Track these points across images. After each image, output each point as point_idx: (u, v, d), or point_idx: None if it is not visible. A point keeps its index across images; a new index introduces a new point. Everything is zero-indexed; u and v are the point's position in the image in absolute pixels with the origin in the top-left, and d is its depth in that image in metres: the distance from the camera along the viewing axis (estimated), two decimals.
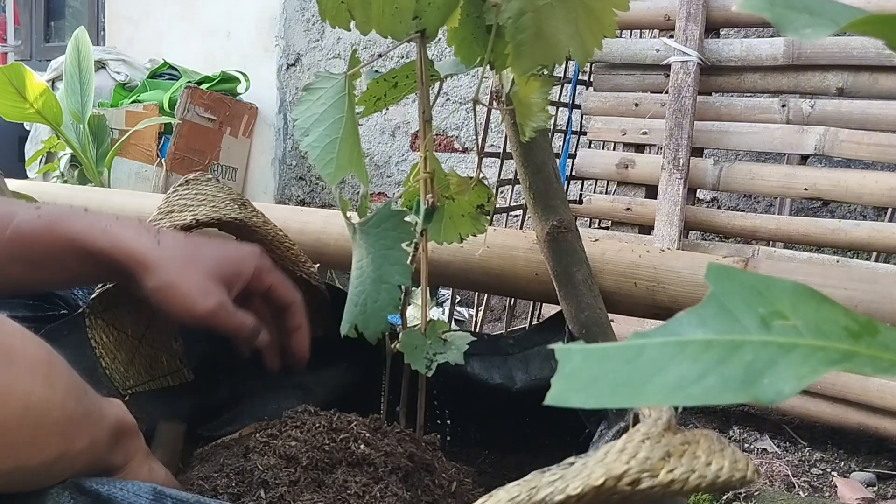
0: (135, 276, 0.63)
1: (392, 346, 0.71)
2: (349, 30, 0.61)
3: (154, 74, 3.20)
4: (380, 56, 0.73)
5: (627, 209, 1.98)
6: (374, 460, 0.59)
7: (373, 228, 0.64)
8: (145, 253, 0.62)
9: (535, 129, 0.67)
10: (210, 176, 0.80)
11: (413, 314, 0.74)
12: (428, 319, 0.69)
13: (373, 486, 0.57)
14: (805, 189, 1.79)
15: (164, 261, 0.63)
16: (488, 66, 0.63)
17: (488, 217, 0.75)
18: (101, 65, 3.10)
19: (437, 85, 0.68)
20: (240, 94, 3.20)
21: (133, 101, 3.02)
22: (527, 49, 0.58)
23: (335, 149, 0.61)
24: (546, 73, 0.66)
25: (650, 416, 0.42)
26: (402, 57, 2.67)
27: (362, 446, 0.59)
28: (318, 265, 0.97)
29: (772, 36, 1.91)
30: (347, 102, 0.62)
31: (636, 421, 0.51)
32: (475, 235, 0.74)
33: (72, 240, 0.63)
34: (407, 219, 0.65)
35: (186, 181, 0.78)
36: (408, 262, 0.62)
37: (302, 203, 3.24)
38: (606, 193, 2.17)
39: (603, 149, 2.17)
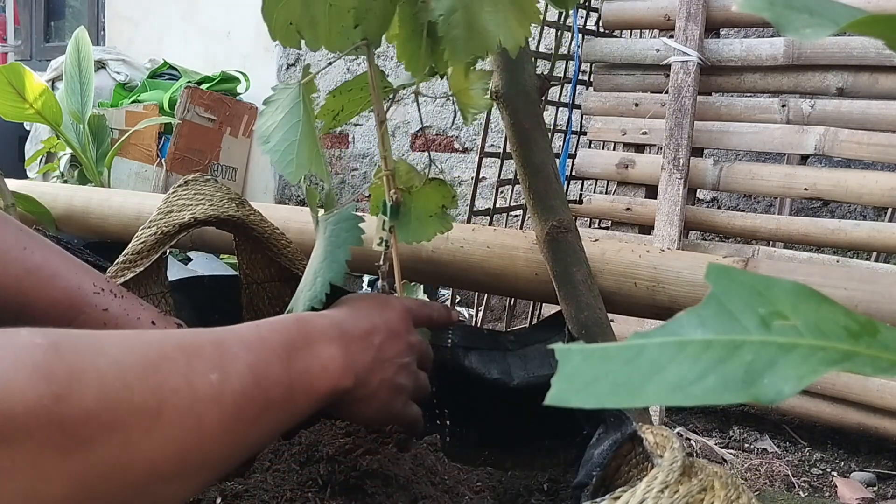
0: None
1: None
2: (299, 48, 0.64)
3: (154, 74, 3.19)
4: (330, 63, 0.76)
5: (627, 209, 1.98)
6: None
7: (331, 224, 0.66)
8: None
9: (477, 114, 0.72)
10: (209, 177, 0.81)
11: None
12: None
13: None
14: (805, 189, 1.78)
15: None
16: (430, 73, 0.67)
17: (454, 216, 0.78)
18: (101, 65, 3.10)
19: (392, 95, 0.72)
20: (240, 94, 3.20)
21: (133, 101, 3.02)
22: (460, 43, 0.62)
23: (294, 150, 0.64)
24: (480, 64, 0.70)
25: (664, 458, 0.41)
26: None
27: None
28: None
29: (772, 36, 1.91)
30: (303, 108, 0.65)
31: (634, 436, 0.51)
32: (443, 233, 0.76)
33: None
34: (373, 218, 0.70)
35: (185, 182, 0.79)
36: (344, 264, 0.64)
37: (302, 203, 3.24)
38: (606, 193, 2.17)
39: (603, 149, 2.17)
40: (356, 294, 0.64)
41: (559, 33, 2.04)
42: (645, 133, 1.99)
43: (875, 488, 1.54)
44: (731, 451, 1.66)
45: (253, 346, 0.47)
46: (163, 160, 2.90)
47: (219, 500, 0.58)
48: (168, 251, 0.77)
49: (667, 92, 1.91)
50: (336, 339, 0.54)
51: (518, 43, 0.62)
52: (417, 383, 0.62)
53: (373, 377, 0.56)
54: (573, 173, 2.16)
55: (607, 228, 2.07)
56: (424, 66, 0.66)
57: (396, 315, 0.61)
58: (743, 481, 1.52)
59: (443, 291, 2.47)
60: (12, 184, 1.24)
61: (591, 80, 2.13)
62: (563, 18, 2.02)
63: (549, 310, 1.91)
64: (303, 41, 0.62)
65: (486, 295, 2.02)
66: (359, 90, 0.72)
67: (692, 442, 1.67)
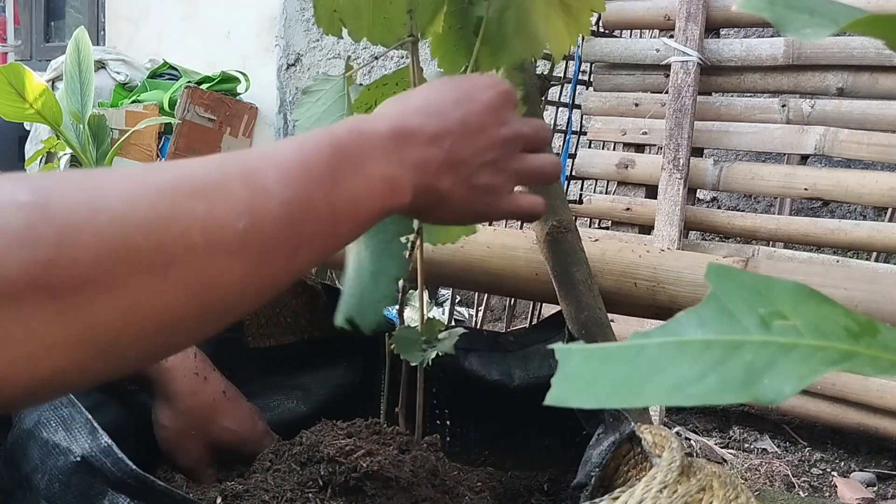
0: None
1: (391, 346, 0.71)
2: (341, 37, 0.63)
3: (154, 74, 3.20)
4: (376, 58, 0.74)
5: (627, 209, 1.98)
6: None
7: None
8: None
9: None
10: None
11: (410, 316, 0.74)
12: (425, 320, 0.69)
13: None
14: (805, 189, 1.79)
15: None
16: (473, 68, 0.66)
17: None
18: (101, 65, 3.10)
19: None
20: (240, 94, 3.20)
21: (133, 101, 3.02)
22: (509, 42, 0.61)
23: None
24: (532, 66, 0.69)
25: (662, 458, 0.41)
26: (403, 57, 2.67)
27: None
28: (317, 266, 0.97)
29: (772, 36, 1.92)
30: (347, 102, 0.64)
31: (632, 436, 0.51)
32: (468, 236, 0.75)
33: None
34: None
35: None
36: (406, 255, 0.62)
37: None
38: (606, 193, 2.17)
39: (603, 149, 2.17)
40: (437, 81, 0.57)
41: None
42: (645, 133, 1.99)
43: (875, 488, 1.54)
44: (731, 451, 1.66)
45: (292, 178, 0.42)
46: (163, 160, 2.90)
47: (219, 500, 0.58)
48: None
49: (667, 92, 1.91)
50: (393, 151, 0.48)
51: (563, 51, 0.62)
52: (523, 170, 0.56)
53: (440, 183, 0.51)
54: (573, 173, 2.16)
55: (607, 228, 2.07)
56: (461, 65, 0.65)
57: (478, 108, 0.54)
58: (743, 481, 1.52)
59: (443, 291, 2.47)
60: None
61: (591, 80, 2.13)
62: None
63: (549, 310, 1.91)
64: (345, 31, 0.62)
65: (486, 295, 2.02)
66: (394, 85, 0.70)
67: (692, 442, 1.67)
